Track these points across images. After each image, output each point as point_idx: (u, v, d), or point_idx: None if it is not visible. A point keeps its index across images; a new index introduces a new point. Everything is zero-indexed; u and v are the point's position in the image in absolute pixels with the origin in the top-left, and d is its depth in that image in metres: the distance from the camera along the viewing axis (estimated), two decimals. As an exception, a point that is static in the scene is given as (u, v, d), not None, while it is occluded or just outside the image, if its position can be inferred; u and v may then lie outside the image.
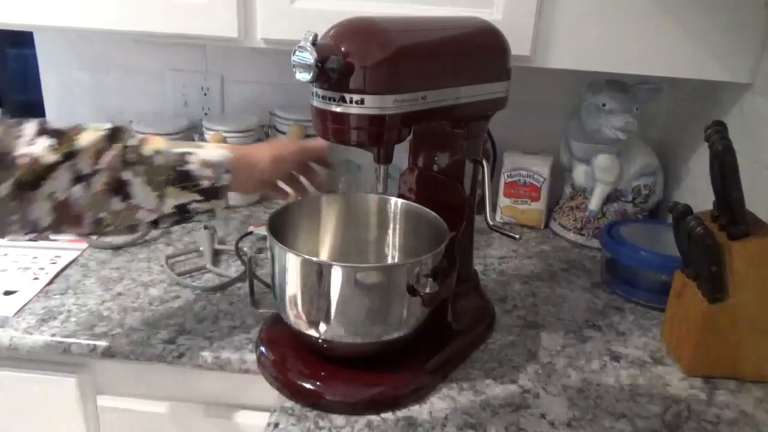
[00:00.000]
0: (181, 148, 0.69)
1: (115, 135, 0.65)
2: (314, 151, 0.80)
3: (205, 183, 0.68)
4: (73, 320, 0.80)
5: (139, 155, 0.66)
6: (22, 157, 0.59)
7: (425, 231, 0.73)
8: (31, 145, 0.60)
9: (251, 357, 0.74)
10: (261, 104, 1.25)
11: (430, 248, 0.66)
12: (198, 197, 0.68)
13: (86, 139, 0.63)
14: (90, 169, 0.62)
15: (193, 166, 0.68)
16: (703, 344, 0.74)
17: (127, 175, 0.64)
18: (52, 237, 0.65)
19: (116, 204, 0.65)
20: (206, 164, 0.68)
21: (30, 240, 0.64)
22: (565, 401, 0.70)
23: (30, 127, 0.61)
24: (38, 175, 0.59)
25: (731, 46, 0.88)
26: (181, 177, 0.67)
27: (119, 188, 0.64)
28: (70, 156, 0.61)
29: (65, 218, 0.62)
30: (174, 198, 0.67)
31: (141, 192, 0.65)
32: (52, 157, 0.60)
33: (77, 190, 0.62)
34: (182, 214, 0.69)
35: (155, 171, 0.66)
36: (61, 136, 0.62)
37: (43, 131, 0.61)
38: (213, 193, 0.69)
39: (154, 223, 0.69)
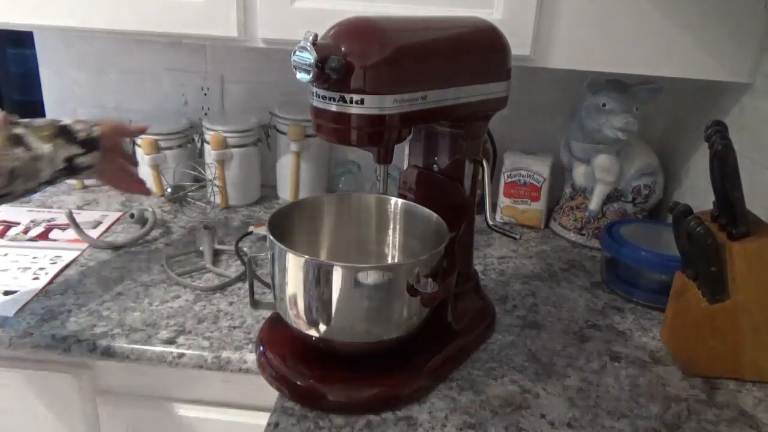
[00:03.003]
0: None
1: None
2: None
3: (82, 134, 0.82)
4: (73, 320, 0.80)
5: (18, 120, 0.79)
6: None
7: (425, 231, 0.73)
8: None
9: (251, 357, 0.74)
10: (261, 104, 1.25)
11: (430, 248, 0.66)
12: (80, 149, 0.81)
13: None
14: None
15: (67, 121, 0.82)
16: (703, 344, 0.74)
17: (17, 130, 0.77)
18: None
19: (21, 153, 0.76)
20: (78, 121, 0.83)
21: None
22: (565, 401, 0.70)
23: None
24: None
25: (731, 47, 0.88)
26: (61, 131, 0.80)
27: (17, 141, 0.76)
28: None
29: None
30: (64, 150, 0.80)
31: (36, 143, 0.78)
32: None
33: None
34: (71, 170, 0.82)
35: (38, 128, 0.79)
36: None
37: None
38: (91, 144, 0.82)
39: (50, 183, 0.81)
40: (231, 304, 0.86)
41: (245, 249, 1.02)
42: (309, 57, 0.57)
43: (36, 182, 0.79)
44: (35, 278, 0.89)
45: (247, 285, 0.84)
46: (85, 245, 1.00)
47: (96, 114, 1.31)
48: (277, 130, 1.20)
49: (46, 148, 0.78)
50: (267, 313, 0.81)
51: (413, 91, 0.62)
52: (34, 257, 0.96)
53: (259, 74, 1.26)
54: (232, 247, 0.99)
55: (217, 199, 1.19)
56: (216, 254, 1.00)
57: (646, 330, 0.86)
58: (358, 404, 0.67)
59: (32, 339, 0.76)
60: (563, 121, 1.17)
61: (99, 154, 0.83)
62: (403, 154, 1.11)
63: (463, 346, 0.77)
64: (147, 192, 1.00)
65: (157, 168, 1.20)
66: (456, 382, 0.72)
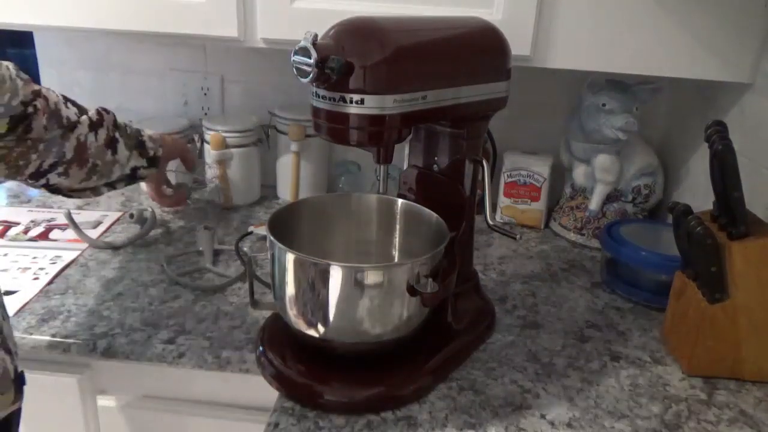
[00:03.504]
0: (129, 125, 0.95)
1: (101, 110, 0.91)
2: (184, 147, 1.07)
3: (151, 152, 0.96)
4: (73, 320, 0.80)
5: (120, 122, 0.92)
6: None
7: (425, 231, 0.73)
8: (68, 109, 0.84)
9: (251, 357, 0.74)
10: (261, 104, 1.25)
11: (430, 248, 0.66)
12: (144, 163, 0.95)
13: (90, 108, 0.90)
14: (98, 123, 0.87)
15: (145, 138, 0.95)
16: (703, 344, 0.74)
17: (117, 134, 0.90)
18: (53, 181, 0.85)
19: (108, 156, 0.88)
20: (151, 139, 0.96)
21: (42, 186, 0.86)
22: (565, 401, 0.70)
23: (57, 95, 0.85)
24: (74, 124, 0.84)
25: (732, 46, 0.88)
26: (139, 144, 0.94)
27: (112, 144, 0.89)
28: (85, 112, 0.87)
29: (78, 157, 0.84)
30: (134, 160, 0.93)
31: (122, 150, 0.90)
32: (79, 115, 0.86)
33: (91, 137, 0.86)
34: (131, 178, 0.95)
35: (129, 136, 0.92)
36: (76, 104, 0.88)
37: (66, 99, 0.86)
38: (153, 161, 0.96)
39: (112, 186, 0.93)
40: (231, 304, 0.86)
41: (245, 249, 1.02)
42: (309, 57, 0.57)
43: (105, 180, 0.91)
44: (35, 278, 0.89)
45: (247, 285, 0.84)
46: (85, 245, 1.00)
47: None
48: (277, 130, 1.20)
49: (125, 155, 0.91)
50: (267, 313, 0.81)
51: (413, 91, 0.62)
52: (34, 257, 0.96)
53: (259, 74, 1.26)
54: (232, 247, 0.99)
55: (219, 199, 1.19)
56: (216, 254, 1.00)
57: (646, 330, 0.86)
58: (358, 404, 0.67)
59: (32, 339, 0.76)
60: (563, 121, 1.17)
61: (155, 170, 0.98)
62: (403, 154, 1.11)
63: (463, 346, 0.77)
64: (175, 204, 1.13)
65: (157, 168, 1.21)
66: (456, 382, 0.72)
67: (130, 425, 0.85)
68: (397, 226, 0.78)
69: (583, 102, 1.07)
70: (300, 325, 0.67)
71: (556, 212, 1.18)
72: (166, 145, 0.99)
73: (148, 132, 0.97)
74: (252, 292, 0.74)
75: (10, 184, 1.26)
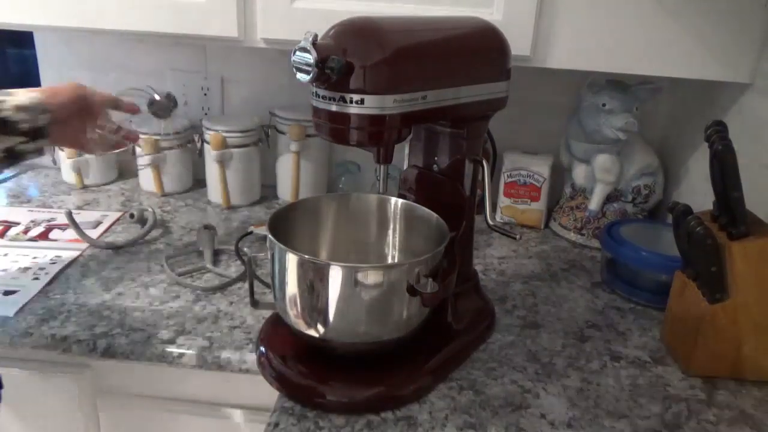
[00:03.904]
0: None
1: None
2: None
3: (25, 126, 0.77)
4: (73, 320, 0.80)
5: None
6: None
7: (425, 231, 0.73)
8: None
9: (251, 357, 0.74)
10: (261, 104, 1.25)
11: (430, 248, 0.66)
12: (22, 139, 0.78)
13: None
14: None
15: (8, 113, 0.76)
16: (703, 344, 0.74)
17: None
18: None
19: None
20: (20, 109, 0.77)
21: None
22: (565, 401, 0.70)
23: None
24: None
25: (732, 46, 0.88)
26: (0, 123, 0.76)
27: None
28: None
29: None
30: (1, 143, 0.76)
31: None
32: None
33: None
34: (13, 157, 0.79)
35: None
36: None
37: None
38: (37, 133, 0.79)
39: None
40: (231, 304, 0.86)
41: (245, 249, 1.02)
42: (309, 57, 0.57)
43: None
44: (35, 278, 0.89)
45: (247, 285, 0.84)
46: (85, 245, 1.00)
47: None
48: (277, 130, 1.20)
49: None
50: (267, 313, 0.81)
51: (413, 91, 0.62)
52: (34, 257, 0.96)
53: (259, 74, 1.26)
54: (232, 247, 0.99)
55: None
56: (216, 254, 1.00)
57: (646, 330, 0.86)
58: (358, 404, 0.67)
59: (32, 339, 0.76)
60: (563, 121, 1.17)
61: (47, 141, 0.81)
62: (403, 154, 1.11)
63: (463, 346, 0.77)
64: (125, 145, 1.00)
65: (157, 168, 1.21)
66: (456, 382, 0.72)
67: (130, 425, 0.85)
68: (397, 226, 0.78)
69: (583, 102, 1.07)
70: (300, 325, 0.67)
71: (556, 212, 1.18)
72: (56, 110, 0.81)
73: (18, 101, 0.78)
74: (252, 292, 0.74)
75: (10, 184, 1.26)
